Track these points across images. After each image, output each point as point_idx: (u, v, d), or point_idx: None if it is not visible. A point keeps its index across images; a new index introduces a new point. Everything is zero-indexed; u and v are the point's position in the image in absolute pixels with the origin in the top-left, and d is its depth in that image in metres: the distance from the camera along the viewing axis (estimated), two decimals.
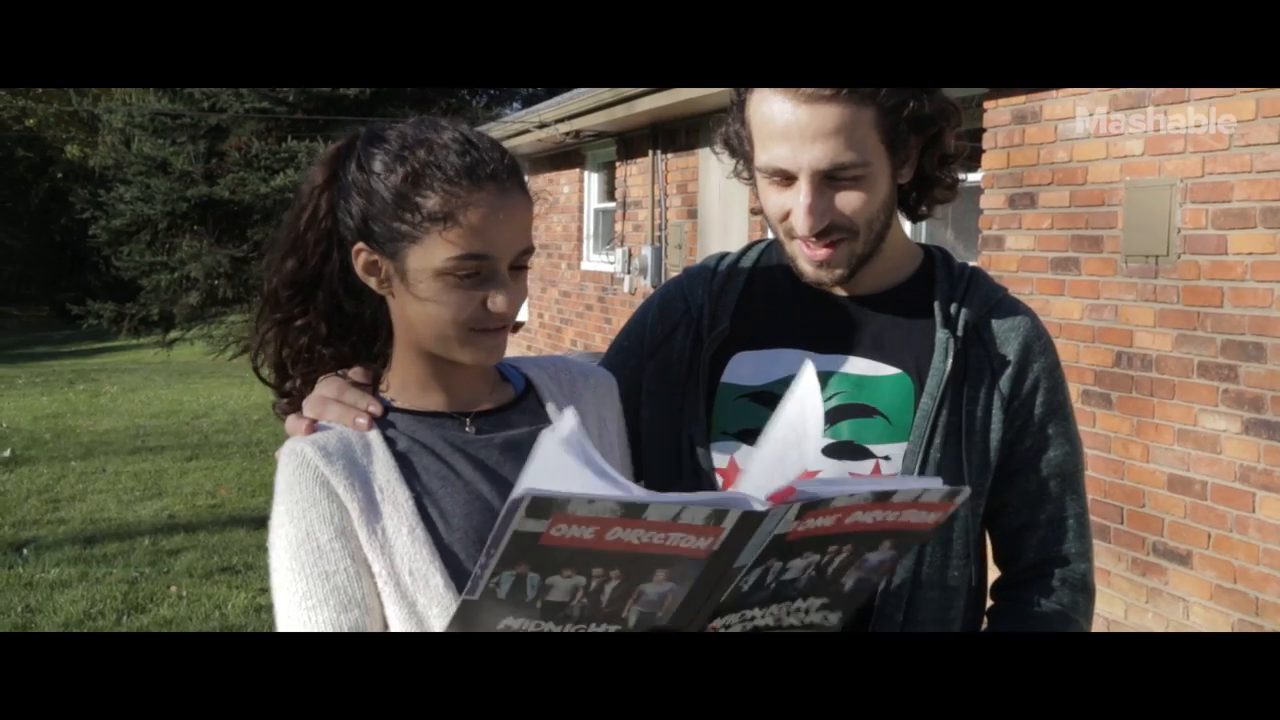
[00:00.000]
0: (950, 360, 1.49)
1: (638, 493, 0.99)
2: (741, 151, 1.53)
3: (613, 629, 1.07)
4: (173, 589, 5.68)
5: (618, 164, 10.03)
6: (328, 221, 1.31)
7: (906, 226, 2.50)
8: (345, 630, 1.21)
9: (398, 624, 1.24)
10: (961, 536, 1.50)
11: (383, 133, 1.29)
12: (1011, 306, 1.57)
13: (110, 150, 17.94)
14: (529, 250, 1.30)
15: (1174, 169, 4.40)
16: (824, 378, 1.52)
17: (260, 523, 6.87)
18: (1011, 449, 1.53)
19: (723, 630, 1.15)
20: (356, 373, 1.36)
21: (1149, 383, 4.56)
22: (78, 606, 5.40)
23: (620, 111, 8.61)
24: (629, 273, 9.44)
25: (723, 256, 1.67)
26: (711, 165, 8.20)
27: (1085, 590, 1.56)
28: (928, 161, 1.51)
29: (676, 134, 8.82)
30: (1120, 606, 4.70)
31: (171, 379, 14.40)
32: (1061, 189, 4.96)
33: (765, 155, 1.45)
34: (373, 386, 1.35)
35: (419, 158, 1.24)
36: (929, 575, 1.49)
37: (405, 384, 1.36)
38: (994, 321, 1.54)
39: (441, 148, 1.25)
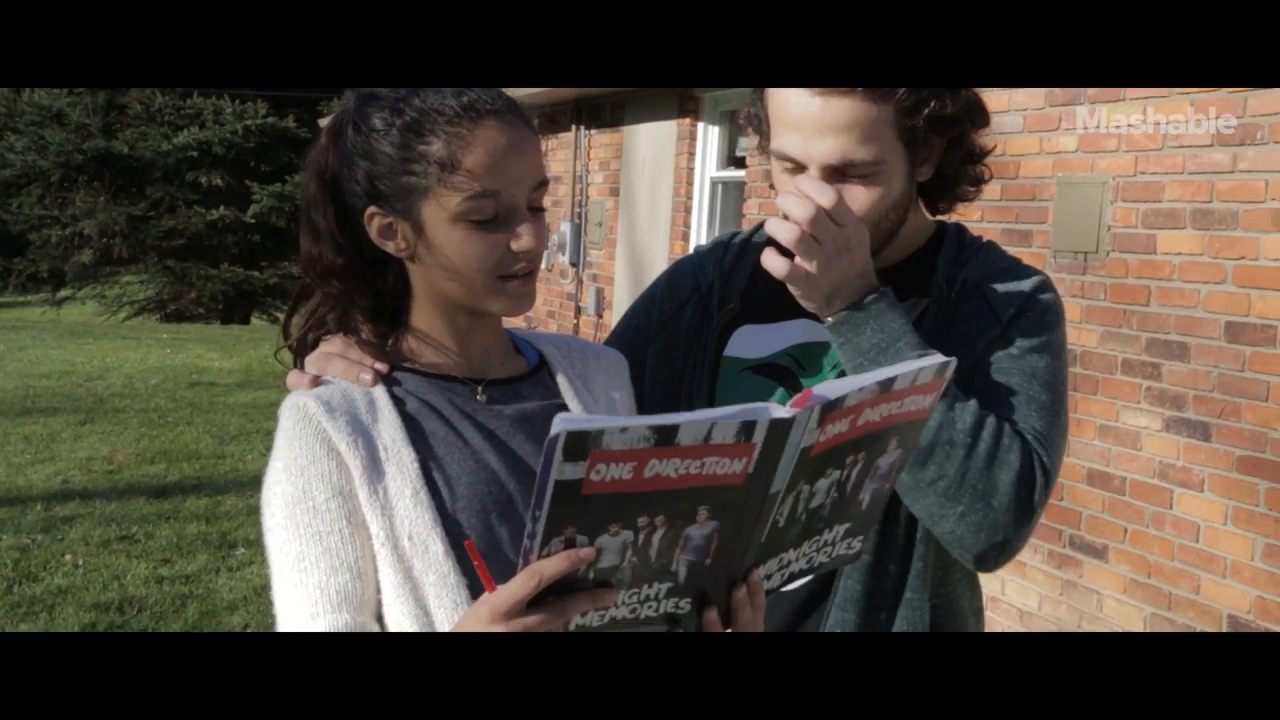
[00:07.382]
0: (931, 300, 1.45)
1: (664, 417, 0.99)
2: (760, 131, 1.50)
3: (665, 586, 1.07)
4: (68, 557, 5.44)
5: (540, 138, 9.90)
6: (339, 197, 1.28)
7: None
8: (333, 592, 1.16)
9: (391, 588, 1.19)
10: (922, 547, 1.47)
11: (376, 92, 1.26)
12: (1022, 272, 1.51)
13: (0, 98, 17.23)
14: (543, 184, 1.27)
15: (1106, 167, 4.44)
16: (826, 348, 1.50)
17: (160, 492, 6.65)
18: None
19: (764, 580, 1.17)
20: (366, 330, 1.30)
21: (1073, 378, 4.60)
22: None
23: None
24: (547, 248, 9.33)
25: (735, 234, 1.63)
26: (638, 143, 8.13)
27: (1017, 436, 1.38)
28: (949, 163, 1.46)
29: (601, 110, 8.72)
30: (1034, 598, 4.77)
31: (62, 339, 13.84)
32: (993, 183, 4.98)
33: (778, 142, 1.42)
34: (382, 346, 1.29)
35: (415, 106, 1.22)
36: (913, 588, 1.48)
37: (419, 344, 1.31)
38: (998, 284, 1.49)
39: (436, 94, 1.22)
